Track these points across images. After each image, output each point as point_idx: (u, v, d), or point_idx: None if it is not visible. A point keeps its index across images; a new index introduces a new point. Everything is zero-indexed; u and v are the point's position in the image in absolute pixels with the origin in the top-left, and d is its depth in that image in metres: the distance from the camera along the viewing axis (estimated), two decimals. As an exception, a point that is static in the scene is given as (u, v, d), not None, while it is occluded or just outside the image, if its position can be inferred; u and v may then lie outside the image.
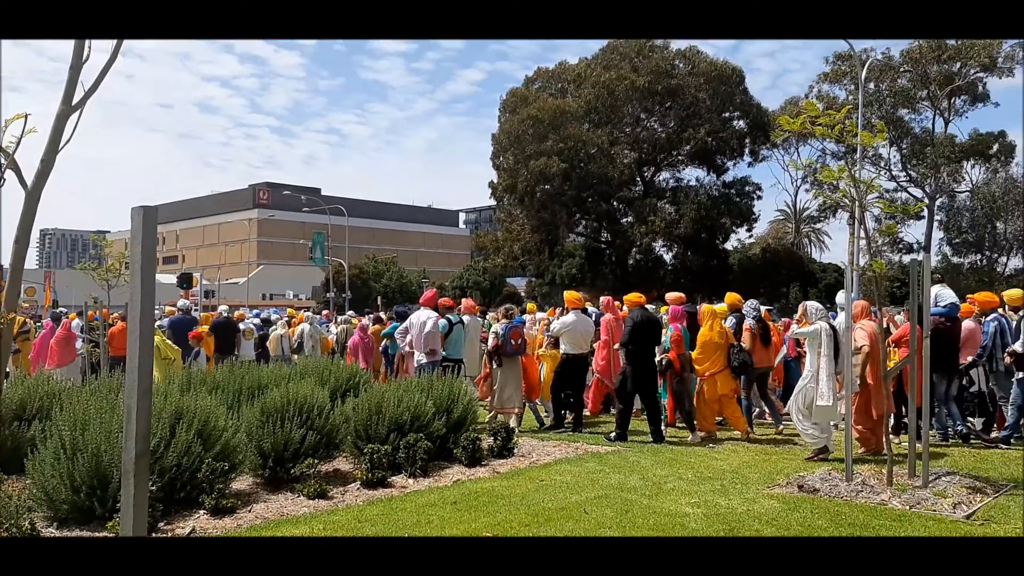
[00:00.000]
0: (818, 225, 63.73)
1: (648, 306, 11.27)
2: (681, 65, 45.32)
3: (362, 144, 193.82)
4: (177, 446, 6.38)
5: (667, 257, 48.70)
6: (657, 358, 10.42)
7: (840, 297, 10.12)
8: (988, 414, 10.57)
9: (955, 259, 43.83)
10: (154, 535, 5.76)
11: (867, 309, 9.34)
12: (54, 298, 35.67)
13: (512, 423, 10.50)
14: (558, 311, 13.20)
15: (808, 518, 6.12)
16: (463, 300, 12.81)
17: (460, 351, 11.42)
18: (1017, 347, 9.31)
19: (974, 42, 40.94)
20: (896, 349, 9.90)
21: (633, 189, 47.57)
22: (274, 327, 17.67)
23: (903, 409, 10.01)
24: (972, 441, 9.64)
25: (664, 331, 10.74)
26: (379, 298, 60.51)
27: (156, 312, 15.99)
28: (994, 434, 9.85)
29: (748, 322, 10.90)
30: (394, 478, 7.60)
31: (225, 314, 16.32)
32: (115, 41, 7.00)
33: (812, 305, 9.20)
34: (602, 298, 12.33)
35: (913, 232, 44.58)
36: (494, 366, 11.05)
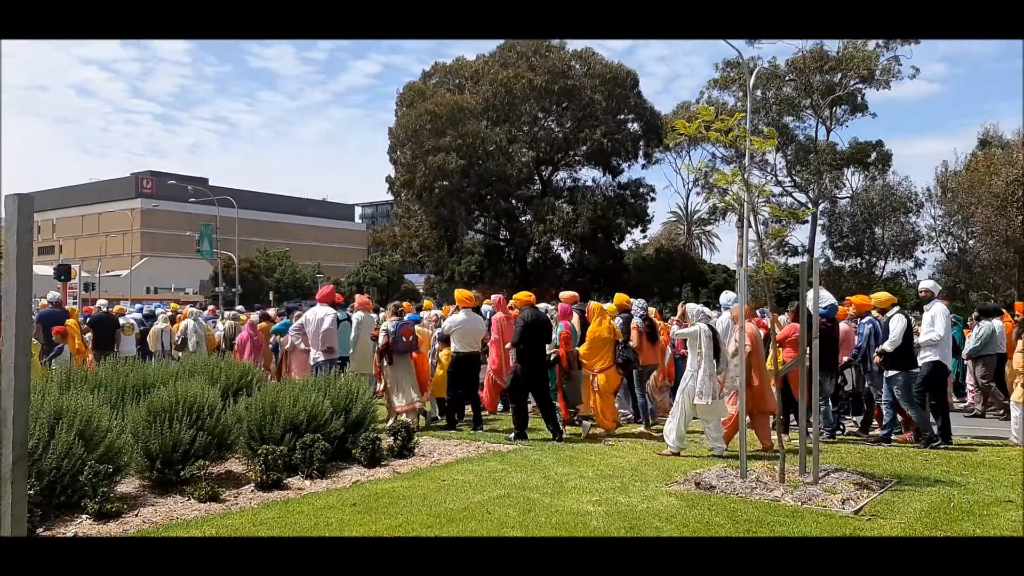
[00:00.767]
0: (708, 227, 65.82)
1: (541, 305, 11.40)
2: (577, 66, 45.84)
3: (252, 134, 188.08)
4: (57, 448, 6.00)
5: (565, 256, 49.23)
6: (548, 352, 10.53)
7: (724, 297, 10.43)
8: (863, 412, 11.13)
9: (836, 262, 45.94)
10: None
11: (748, 312, 9.64)
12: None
13: (410, 419, 10.38)
14: (452, 309, 13.15)
15: (706, 515, 6.25)
16: (357, 296, 12.54)
17: (346, 348, 11.22)
18: (887, 347, 9.79)
19: (854, 54, 43.07)
20: (782, 349, 10.30)
21: (531, 188, 47.87)
22: (155, 321, 16.90)
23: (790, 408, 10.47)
24: (846, 436, 10.12)
25: (555, 329, 10.84)
26: (271, 293, 59.14)
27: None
28: (874, 432, 10.33)
29: (635, 321, 11.17)
30: (290, 480, 7.36)
31: (104, 308, 15.51)
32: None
33: (692, 307, 9.53)
34: (493, 296, 12.38)
35: (798, 235, 46.50)
36: (384, 364, 10.90)
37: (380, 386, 11.05)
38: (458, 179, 42.97)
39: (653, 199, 48.57)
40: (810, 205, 43.30)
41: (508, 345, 10.59)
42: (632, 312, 11.46)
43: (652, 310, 12.64)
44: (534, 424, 10.55)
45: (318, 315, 10.75)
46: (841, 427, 10.54)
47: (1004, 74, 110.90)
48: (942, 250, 45.45)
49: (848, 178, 47.42)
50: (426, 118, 42.86)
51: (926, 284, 10.64)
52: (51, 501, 5.97)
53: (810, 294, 7.63)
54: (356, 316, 11.30)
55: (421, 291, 64.89)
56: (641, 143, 47.24)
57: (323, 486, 7.31)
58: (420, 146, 43.05)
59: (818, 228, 45.08)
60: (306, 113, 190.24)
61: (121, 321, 15.58)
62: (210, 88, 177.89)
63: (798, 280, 8.05)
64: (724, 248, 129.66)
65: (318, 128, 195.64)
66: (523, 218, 46.88)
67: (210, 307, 25.88)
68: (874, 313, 10.54)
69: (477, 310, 11.98)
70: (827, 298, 9.94)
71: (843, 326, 10.78)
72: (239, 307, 25.04)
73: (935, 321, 9.75)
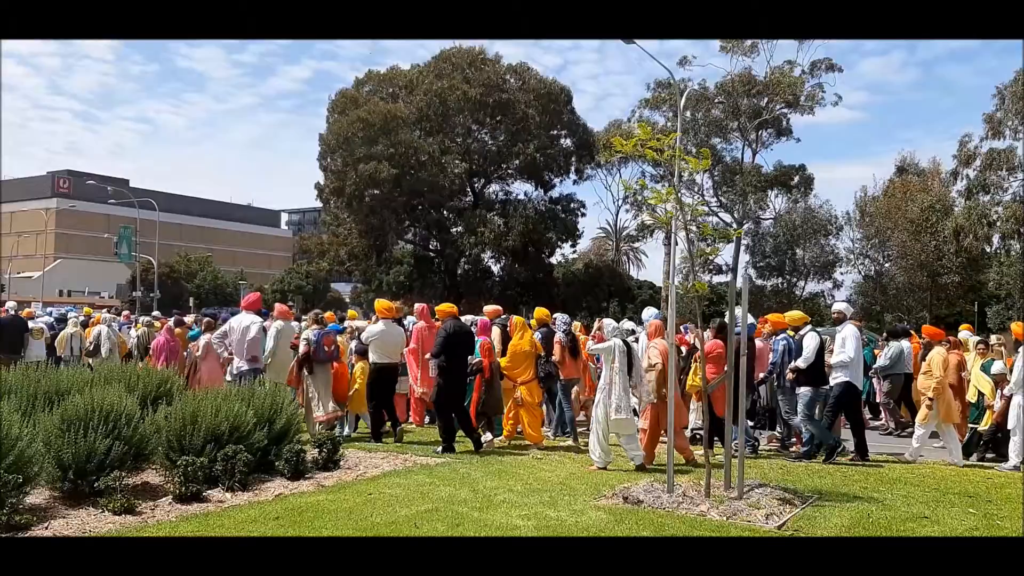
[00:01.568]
0: (636, 244, 66.83)
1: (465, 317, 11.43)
2: (512, 80, 46.12)
3: (177, 136, 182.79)
4: (-42, 458, 5.66)
5: (495, 268, 49.33)
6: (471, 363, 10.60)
7: (645, 313, 10.57)
8: (776, 427, 11.42)
9: (759, 282, 47.16)
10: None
11: (660, 328, 9.81)
12: None
13: (336, 429, 10.21)
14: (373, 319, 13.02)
15: (634, 529, 6.26)
16: (276, 305, 12.26)
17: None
18: (800, 364, 10.03)
19: (781, 79, 44.43)
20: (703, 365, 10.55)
21: (463, 199, 47.88)
22: (66, 325, 16.23)
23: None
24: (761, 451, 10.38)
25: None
26: (191, 299, 57.54)
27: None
28: (794, 449, 10.55)
29: (559, 335, 11.25)
30: (210, 492, 7.11)
31: (12, 311, 14.84)
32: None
33: (608, 322, 9.69)
34: (416, 305, 12.37)
35: (723, 255, 47.60)
36: (304, 373, 10.70)
37: (300, 397, 10.83)
38: (389, 188, 42.67)
39: (583, 215, 49.20)
40: (735, 225, 44.36)
41: (428, 355, 10.56)
42: (555, 326, 11.55)
43: (577, 324, 12.76)
44: (462, 437, 10.46)
45: (243, 323, 10.46)
46: (757, 442, 10.76)
47: (920, 103, 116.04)
48: (859, 272, 47.23)
49: (772, 200, 48.89)
50: (358, 126, 42.47)
51: (839, 306, 10.96)
52: (-48, 513, 5.63)
53: (739, 312, 7.77)
54: (275, 325, 10.99)
55: (347, 300, 64.11)
56: (573, 159, 47.81)
57: (245, 499, 7.08)
58: (351, 154, 42.63)
59: (742, 248, 46.23)
60: (234, 116, 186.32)
61: (31, 325, 14.91)
62: (134, 87, 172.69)
63: (721, 298, 8.22)
64: (651, 265, 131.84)
65: (246, 132, 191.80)
66: (454, 229, 46.81)
67: (125, 312, 25.02)
68: (788, 332, 10.79)
69: (400, 322, 11.92)
70: (739, 317, 10.14)
71: (758, 343, 11.06)
72: (155, 313, 24.27)
73: (845, 343, 10.05)
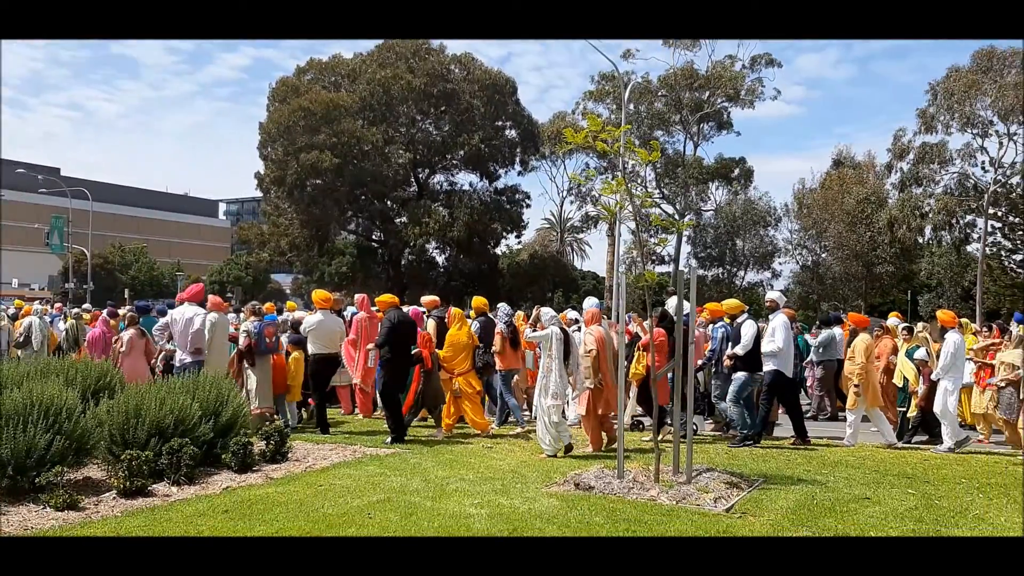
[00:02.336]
0: (580, 235, 67.24)
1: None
2: (457, 70, 45.85)
3: (110, 123, 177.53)
4: None
5: (440, 259, 49.09)
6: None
7: (586, 302, 10.66)
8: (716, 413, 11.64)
9: (700, 272, 47.93)
10: None
11: (598, 315, 9.94)
12: None
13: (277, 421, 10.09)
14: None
15: (586, 515, 6.32)
16: (210, 297, 12.02)
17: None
18: (738, 351, 10.24)
19: (722, 73, 45.13)
20: (646, 353, 10.69)
21: (408, 190, 47.47)
22: (-8, 318, 15.64)
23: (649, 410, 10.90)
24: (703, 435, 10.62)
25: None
26: (126, 291, 56.02)
27: None
28: (732, 433, 10.74)
29: (500, 326, 11.33)
30: (156, 486, 6.97)
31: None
32: None
33: (545, 311, 9.82)
34: (356, 296, 12.31)
35: (665, 246, 48.23)
36: (245, 366, 10.56)
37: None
38: (332, 178, 42.09)
39: (528, 206, 49.21)
40: (677, 217, 44.96)
41: (370, 345, 10.49)
42: (496, 317, 11.66)
43: (520, 315, 12.84)
44: (412, 427, 10.45)
45: (186, 314, 10.22)
46: (695, 428, 10.94)
47: (856, 99, 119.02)
48: (797, 262, 48.41)
49: (713, 192, 49.71)
50: (299, 114, 41.76)
51: (772, 295, 11.21)
52: None
53: (678, 301, 7.91)
54: (209, 317, 10.75)
55: (288, 292, 63.23)
56: (518, 150, 47.73)
57: (192, 492, 6.96)
58: (293, 143, 41.92)
59: (684, 239, 46.92)
60: (169, 104, 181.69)
61: (-41, 318, 14.37)
62: (64, 73, 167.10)
63: (663, 287, 8.36)
64: (595, 256, 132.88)
65: (182, 121, 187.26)
66: (398, 220, 46.38)
67: (57, 304, 24.24)
68: (726, 319, 11.00)
69: (339, 313, 11.88)
70: (685, 306, 10.29)
71: (696, 331, 11.24)
72: (85, 305, 23.55)
73: (775, 332, 10.32)
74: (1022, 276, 43.95)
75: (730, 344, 10.43)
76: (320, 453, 9.00)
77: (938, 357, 10.46)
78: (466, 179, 49.17)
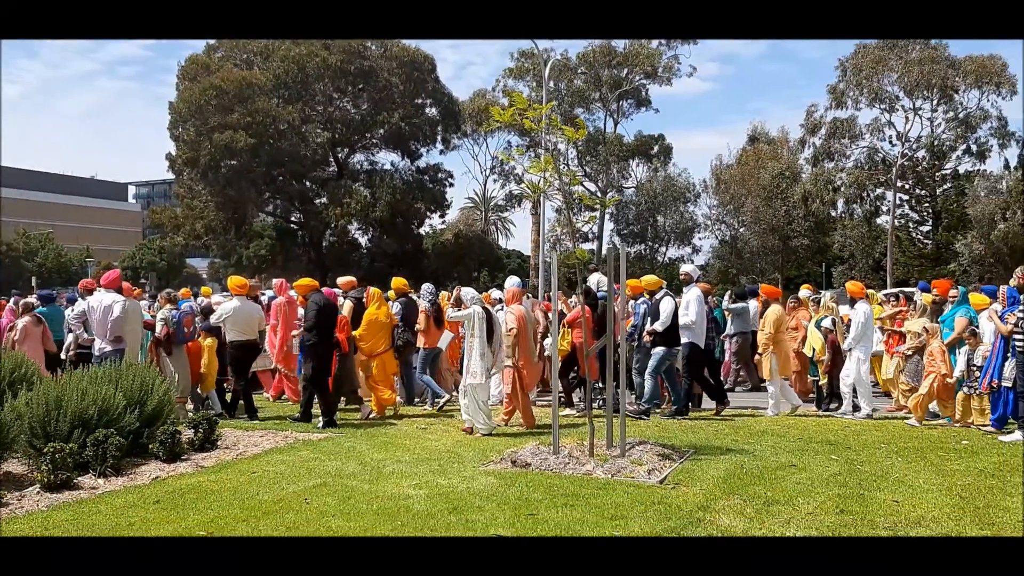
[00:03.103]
0: (504, 214, 67.30)
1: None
2: (374, 47, 45.04)
3: (9, 106, 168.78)
4: None
5: (363, 240, 48.49)
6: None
7: (508, 281, 10.76)
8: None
9: (620, 249, 48.73)
10: None
11: (518, 294, 10.06)
12: None
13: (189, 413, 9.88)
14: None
15: (525, 491, 6.40)
16: (122, 284, 11.66)
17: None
18: (657, 327, 10.45)
19: (640, 51, 45.66)
20: (571, 330, 10.91)
21: (327, 170, 46.60)
22: None
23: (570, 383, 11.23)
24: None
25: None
26: (32, 279, 53.62)
27: None
28: (665, 407, 10.99)
29: (424, 305, 11.44)
30: (81, 479, 6.76)
31: None
32: None
33: (467, 291, 9.95)
34: (274, 280, 12.16)
35: (589, 223, 48.79)
36: (163, 355, 10.31)
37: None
38: (247, 158, 41.02)
39: (451, 185, 48.98)
40: (599, 194, 45.47)
41: (295, 333, 10.35)
42: (420, 296, 11.79)
43: (444, 294, 12.87)
44: (344, 411, 10.37)
45: (104, 302, 9.84)
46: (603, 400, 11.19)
47: (769, 75, 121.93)
48: (716, 237, 49.68)
49: (633, 169, 50.45)
50: (211, 93, 40.48)
51: (686, 268, 11.47)
52: None
53: (609, 278, 8.03)
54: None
55: (205, 276, 61.58)
56: (439, 128, 47.32)
57: (119, 484, 6.76)
58: (205, 123, 40.64)
59: (607, 216, 47.54)
60: (70, 84, 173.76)
61: None
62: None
63: (586, 265, 8.47)
64: (519, 234, 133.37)
65: (85, 101, 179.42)
66: (318, 201, 45.55)
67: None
68: (645, 295, 11.20)
69: (256, 298, 11.77)
70: (605, 283, 10.46)
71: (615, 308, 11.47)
72: (-10, 295, 22.45)
73: (689, 306, 10.61)
74: (929, 247, 46.04)
75: (650, 320, 10.64)
76: (251, 440, 8.85)
77: (847, 328, 10.88)
78: (387, 158, 48.65)
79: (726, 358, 13.96)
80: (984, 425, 9.24)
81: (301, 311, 11.08)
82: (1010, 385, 8.81)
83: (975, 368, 9.42)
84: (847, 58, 41.93)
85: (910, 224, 47.09)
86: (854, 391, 10.60)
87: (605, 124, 49.30)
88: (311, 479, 6.94)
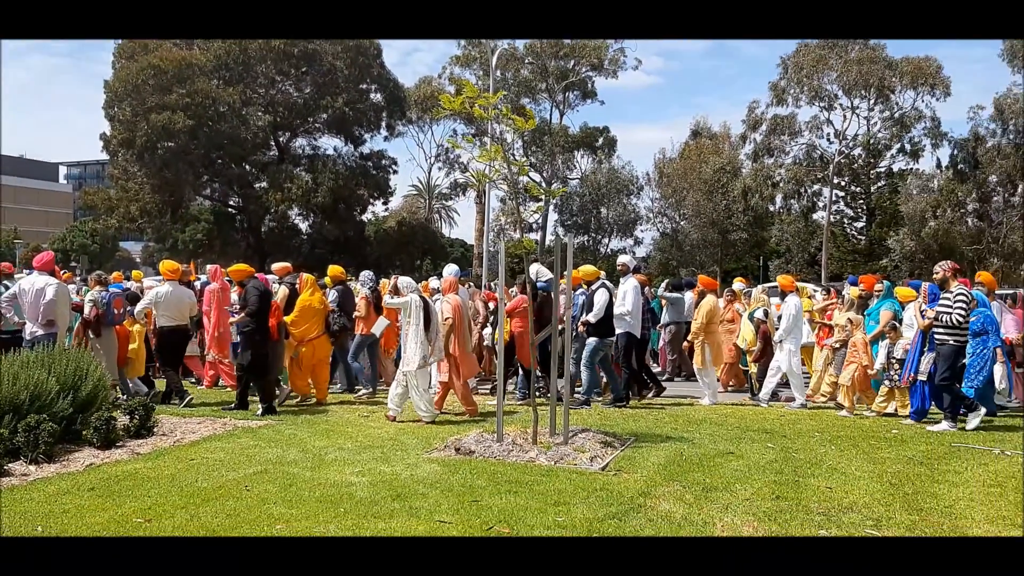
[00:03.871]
0: (448, 202, 67.08)
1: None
2: (319, 31, 44.39)
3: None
4: None
5: (303, 226, 47.78)
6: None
7: (446, 270, 10.80)
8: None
9: (566, 239, 49.07)
10: None
11: (455, 284, 10.12)
12: None
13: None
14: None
15: (468, 479, 6.43)
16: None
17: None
18: (590, 318, 10.57)
19: (586, 43, 45.88)
20: (510, 319, 10.97)
21: (268, 153, 45.73)
22: None
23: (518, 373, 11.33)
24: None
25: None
26: (-42, 260, 51.62)
27: None
28: (606, 396, 11.13)
29: (363, 291, 11.55)
30: (12, 465, 6.57)
31: None
32: None
33: (404, 280, 9.97)
34: (208, 266, 11.99)
35: (533, 214, 48.99)
36: (91, 337, 10.11)
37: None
38: (185, 140, 40.04)
39: (395, 172, 48.58)
40: (544, 184, 45.65)
41: (236, 319, 10.23)
42: (360, 282, 11.91)
43: (384, 282, 12.83)
44: (286, 399, 10.26)
45: (37, 284, 9.55)
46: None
47: (712, 71, 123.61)
48: (658, 229, 50.35)
49: (578, 160, 50.77)
50: (149, 72, 39.39)
51: (623, 259, 11.64)
52: None
53: (555, 268, 8.10)
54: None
55: (138, 260, 60.08)
56: (384, 114, 46.81)
57: (52, 471, 6.59)
58: (142, 103, 39.53)
59: (551, 207, 47.78)
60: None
61: None
62: None
63: (528, 254, 8.57)
64: (463, 223, 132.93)
65: (14, 77, 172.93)
66: (258, 185, 44.72)
67: None
68: (583, 285, 11.32)
69: (189, 284, 11.66)
70: (546, 273, 10.55)
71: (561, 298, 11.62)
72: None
73: (625, 296, 10.80)
74: (863, 242, 47.39)
75: (585, 310, 10.76)
76: (188, 427, 8.70)
77: (778, 319, 11.16)
78: (330, 143, 48.05)
79: (660, 347, 14.23)
80: (905, 418, 9.61)
81: (234, 297, 10.96)
82: (925, 379, 9.21)
83: (895, 361, 9.80)
84: (789, 56, 42.83)
85: (845, 220, 48.42)
86: (782, 381, 10.93)
87: (551, 115, 49.54)
88: (251, 466, 6.86)
